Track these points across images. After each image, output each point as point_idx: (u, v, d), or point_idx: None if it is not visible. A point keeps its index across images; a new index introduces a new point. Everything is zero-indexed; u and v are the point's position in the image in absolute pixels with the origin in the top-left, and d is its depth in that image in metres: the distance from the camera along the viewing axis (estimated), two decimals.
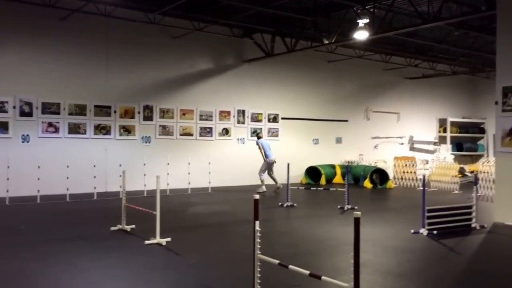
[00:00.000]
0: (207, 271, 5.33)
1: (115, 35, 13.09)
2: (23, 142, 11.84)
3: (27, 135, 11.90)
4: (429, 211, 7.68)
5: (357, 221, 3.41)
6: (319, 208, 10.96)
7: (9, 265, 5.38)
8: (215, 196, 12.62)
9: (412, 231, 7.65)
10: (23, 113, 11.84)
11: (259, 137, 13.96)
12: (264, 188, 13.33)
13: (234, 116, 15.46)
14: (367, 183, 15.25)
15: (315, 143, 17.50)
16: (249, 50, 15.36)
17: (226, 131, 15.28)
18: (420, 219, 7.71)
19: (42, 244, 6.56)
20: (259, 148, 13.56)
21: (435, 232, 7.52)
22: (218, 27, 13.91)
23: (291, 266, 4.05)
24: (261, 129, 15.67)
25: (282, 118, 16.54)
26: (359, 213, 3.44)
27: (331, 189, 12.53)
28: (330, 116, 17.78)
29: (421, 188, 8.20)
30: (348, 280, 3.55)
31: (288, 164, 10.93)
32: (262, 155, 13.49)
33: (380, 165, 16.81)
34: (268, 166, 13.49)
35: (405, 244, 6.99)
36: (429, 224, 7.60)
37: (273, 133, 16.33)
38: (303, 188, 14.04)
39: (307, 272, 3.89)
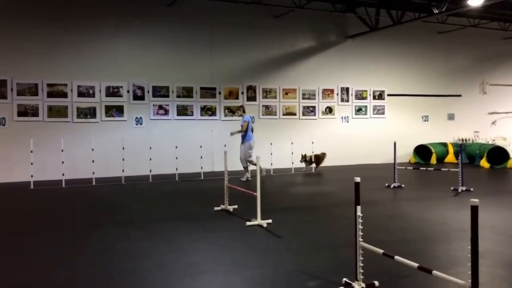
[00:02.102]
0: (307, 256, 5.18)
1: (219, 18, 13.33)
2: (136, 124, 12.64)
3: (140, 117, 12.67)
4: None
5: (474, 210, 3.01)
6: (429, 189, 10.23)
7: (117, 244, 5.67)
8: (319, 176, 12.43)
9: None
10: (136, 97, 12.61)
11: (244, 112, 11.54)
12: (248, 175, 11.23)
13: (337, 94, 15.03)
14: (484, 162, 14.00)
15: (425, 120, 16.45)
16: (352, 25, 14.74)
17: (329, 110, 14.93)
18: None
19: (149, 223, 6.86)
20: (243, 125, 11.18)
21: None
22: (319, 3, 13.51)
23: (397, 257, 3.74)
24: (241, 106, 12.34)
25: (388, 95, 15.75)
26: (476, 200, 3.01)
27: (442, 169, 11.62)
28: (440, 91, 16.55)
29: None
30: (463, 272, 3.17)
31: (395, 143, 10.36)
32: (246, 135, 11.22)
33: (499, 142, 15.33)
34: (251, 149, 11.25)
35: None
36: None
37: (379, 111, 15.62)
38: (412, 168, 13.24)
39: (416, 265, 3.56)
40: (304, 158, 12.98)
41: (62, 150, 10.60)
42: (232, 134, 11.38)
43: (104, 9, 12.18)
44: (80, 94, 12.00)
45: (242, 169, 11.39)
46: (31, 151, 10.40)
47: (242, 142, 11.29)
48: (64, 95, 11.84)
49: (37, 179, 10.59)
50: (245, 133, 11.18)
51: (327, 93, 14.89)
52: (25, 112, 11.50)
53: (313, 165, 13.20)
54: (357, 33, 14.69)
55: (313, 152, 13.22)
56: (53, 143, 11.21)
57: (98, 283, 4.31)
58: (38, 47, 11.59)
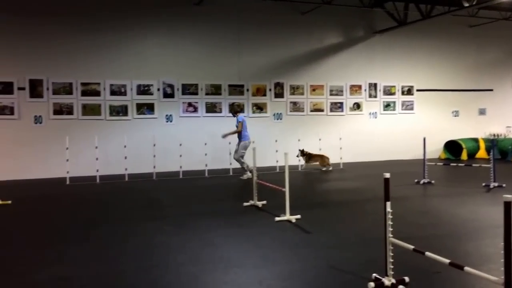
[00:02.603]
0: (337, 251, 5.23)
1: (246, 16, 13.44)
2: (167, 121, 12.89)
3: (170, 115, 12.91)
4: None
5: (508, 206, 3.00)
6: (460, 185, 10.11)
7: (153, 238, 5.85)
8: (347, 172, 12.42)
9: None
10: (166, 95, 12.85)
11: (237, 112, 11.16)
12: (249, 173, 10.85)
13: (365, 90, 14.94)
14: None
15: (455, 116, 16.19)
16: (380, 20, 14.61)
17: (357, 106, 14.87)
18: None
19: (181, 218, 7.02)
20: (238, 125, 10.91)
21: None
22: None
23: (428, 253, 3.77)
24: (240, 104, 11.98)
25: (417, 90, 15.56)
26: (510, 196, 3.00)
27: (473, 164, 11.43)
28: (471, 86, 16.24)
29: None
30: (496, 269, 3.18)
31: (424, 139, 10.28)
32: (240, 135, 10.96)
33: None
34: (245, 149, 11.00)
35: None
36: None
37: (408, 106, 15.46)
38: (442, 163, 13.06)
39: (447, 261, 3.59)
40: (302, 153, 12.54)
41: (96, 147, 10.92)
42: (224, 136, 11.02)
43: (135, 9, 12.45)
44: (113, 93, 12.32)
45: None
46: (67, 148, 10.77)
47: (239, 143, 11.06)
48: (97, 93, 12.18)
49: (72, 175, 10.95)
50: (240, 133, 10.91)
51: (355, 89, 14.83)
52: (60, 110, 11.89)
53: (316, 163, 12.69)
54: (385, 28, 14.56)
55: (318, 151, 12.85)
56: (87, 140, 11.56)
57: (134, 276, 4.47)
58: (73, 47, 11.95)
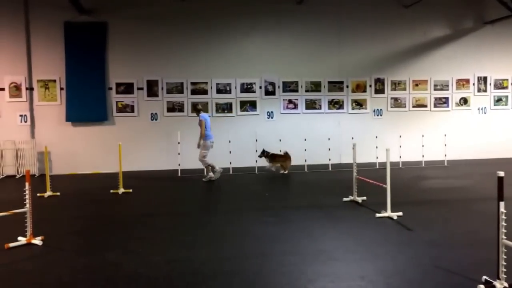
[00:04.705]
0: (442, 251, 5.13)
1: (347, 11, 13.45)
2: (268, 118, 13.37)
3: (271, 111, 13.38)
4: None
5: None
6: None
7: (254, 228, 6.26)
8: (452, 170, 11.96)
9: None
10: (267, 92, 13.34)
11: (199, 110, 10.67)
12: (214, 173, 10.59)
13: (473, 84, 14.18)
14: None
15: None
16: (491, 10, 13.76)
17: (464, 101, 14.17)
18: None
19: (282, 210, 7.36)
20: (201, 125, 10.38)
21: None
22: None
23: None
24: (204, 102, 12.28)
25: None
26: None
27: None
28: None
29: None
30: None
31: None
32: (202, 135, 10.38)
33: None
34: (207, 149, 10.53)
35: None
36: None
37: None
38: None
39: None
40: (263, 154, 11.58)
41: None
42: (199, 145, 10.46)
43: (240, 10, 13.07)
44: (219, 91, 13.08)
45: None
46: (178, 143, 11.70)
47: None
48: (205, 92, 13.02)
49: (183, 167, 11.88)
50: (205, 132, 10.39)
51: (462, 83, 14.13)
52: (172, 108, 12.92)
53: (278, 165, 11.67)
54: (497, 18, 13.65)
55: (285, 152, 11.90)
56: (196, 136, 12.38)
57: (239, 262, 4.87)
58: (184, 49, 12.88)
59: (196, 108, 10.73)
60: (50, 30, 12.24)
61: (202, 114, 10.61)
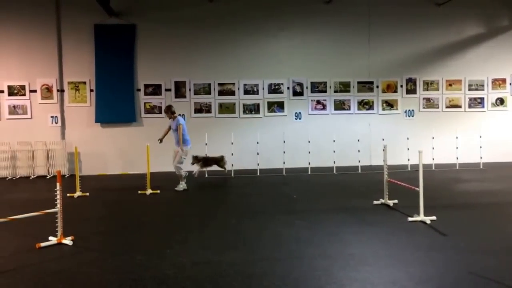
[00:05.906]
0: (478, 257, 4.94)
1: (377, 11, 13.20)
2: (295, 119, 13.23)
3: (299, 112, 13.23)
4: None
5: None
6: None
7: (285, 231, 6.15)
8: (488, 172, 11.57)
9: None
10: (295, 93, 13.20)
11: (174, 113, 9.76)
12: (184, 185, 9.83)
13: (510, 84, 13.69)
14: None
15: None
16: None
17: (501, 101, 13.70)
18: None
19: (311, 212, 7.23)
20: (180, 129, 9.52)
21: None
22: None
23: None
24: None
25: None
26: None
27: None
28: None
29: None
30: None
31: None
32: (180, 140, 9.51)
33: None
34: (186, 154, 9.76)
35: None
36: None
37: None
38: None
39: None
40: (196, 160, 10.85)
41: (232, 143, 11.68)
42: (181, 149, 9.58)
43: (268, 11, 12.99)
44: (246, 92, 13.02)
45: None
46: (206, 144, 11.68)
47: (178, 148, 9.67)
48: (232, 93, 12.99)
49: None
50: (184, 137, 9.56)
51: (498, 83, 13.66)
52: (200, 109, 12.93)
53: (205, 168, 11.11)
54: None
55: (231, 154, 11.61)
56: (223, 137, 12.41)
57: (268, 265, 4.77)
58: (211, 50, 12.89)
59: (171, 110, 9.70)
60: (80, 33, 12.44)
61: (180, 118, 9.71)
